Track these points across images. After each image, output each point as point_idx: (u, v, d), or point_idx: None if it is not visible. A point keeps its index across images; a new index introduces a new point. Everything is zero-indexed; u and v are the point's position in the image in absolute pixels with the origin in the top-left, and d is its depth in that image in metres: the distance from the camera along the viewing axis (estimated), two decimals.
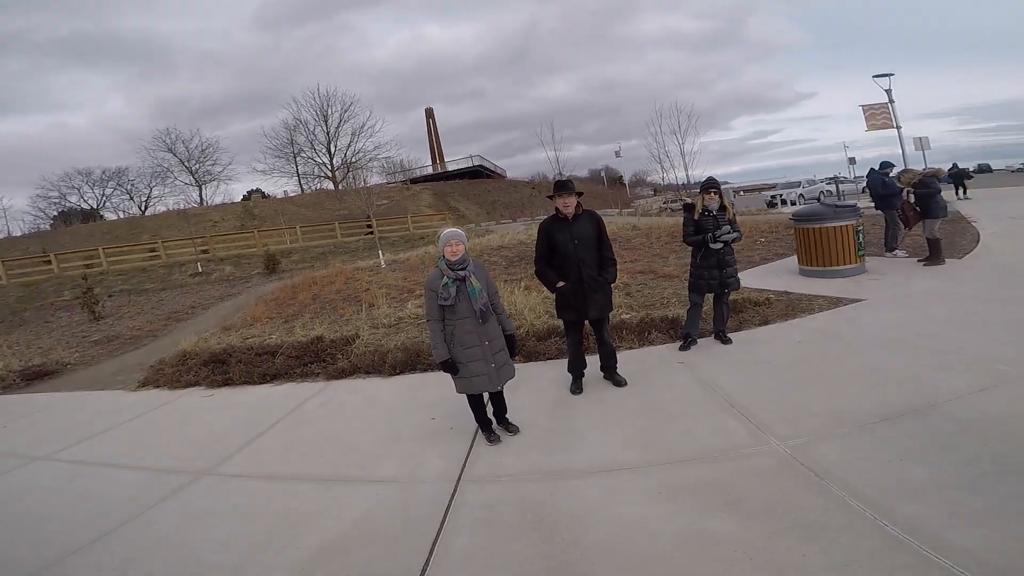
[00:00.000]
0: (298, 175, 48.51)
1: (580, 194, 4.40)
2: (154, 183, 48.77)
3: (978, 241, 9.00)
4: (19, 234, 40.56)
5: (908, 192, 7.94)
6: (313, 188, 46.90)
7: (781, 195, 28.33)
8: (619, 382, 4.53)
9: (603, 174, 51.00)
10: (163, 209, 44.92)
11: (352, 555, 2.76)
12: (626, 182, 52.45)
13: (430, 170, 53.49)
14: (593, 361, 4.70)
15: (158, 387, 6.65)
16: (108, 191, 49.13)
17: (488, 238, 16.20)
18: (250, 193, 49.65)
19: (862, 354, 4.49)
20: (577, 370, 4.58)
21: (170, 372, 6.96)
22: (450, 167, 53.40)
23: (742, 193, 41.10)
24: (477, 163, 53.09)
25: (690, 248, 5.30)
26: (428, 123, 56.85)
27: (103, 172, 48.42)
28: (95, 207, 48.79)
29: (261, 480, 3.78)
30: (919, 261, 7.76)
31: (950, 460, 2.79)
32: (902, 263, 7.96)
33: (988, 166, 55.12)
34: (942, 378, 3.80)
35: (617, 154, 41.23)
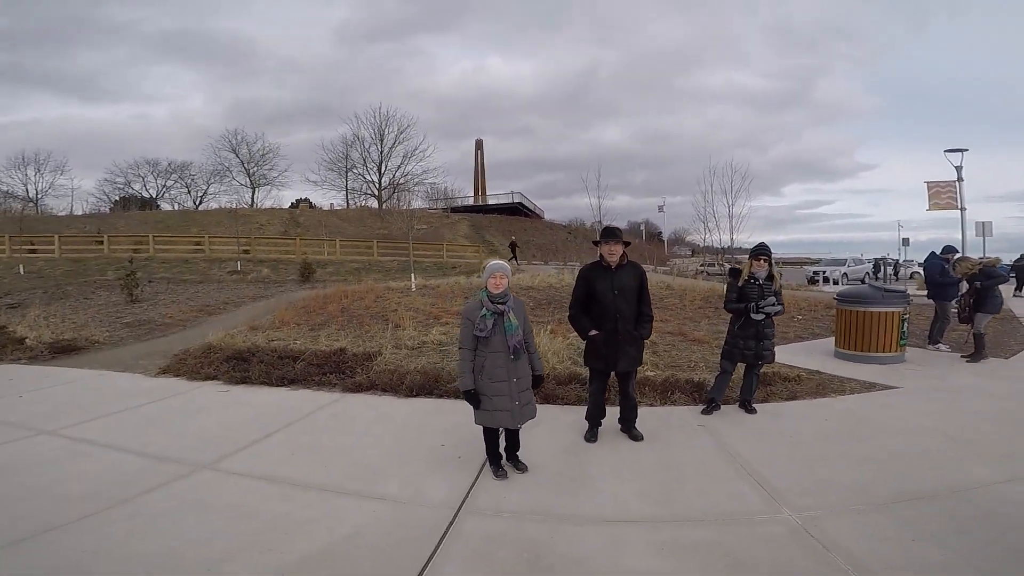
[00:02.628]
0: (346, 189, 49.89)
1: (628, 244, 4.39)
2: (212, 180, 50.93)
3: None
4: (80, 213, 42.75)
5: (974, 283, 7.47)
6: (358, 204, 48.15)
7: (824, 272, 27.20)
8: (636, 436, 4.42)
9: (642, 228, 51.03)
10: (215, 206, 46.77)
11: (337, 568, 2.71)
12: (664, 239, 52.29)
13: (471, 201, 54.38)
14: (612, 413, 4.61)
15: (177, 376, 6.82)
16: (169, 183, 51.66)
17: (518, 277, 16.26)
18: (298, 201, 51.24)
19: (889, 438, 4.34)
20: (595, 419, 4.50)
21: (192, 363, 7.14)
22: (491, 200, 54.22)
23: (782, 265, 40.29)
24: (517, 200, 53.76)
25: (727, 315, 5.20)
26: (476, 154, 58.26)
27: (169, 164, 51.10)
28: (154, 196, 51.30)
29: (260, 481, 3.77)
30: (962, 357, 7.44)
31: (964, 545, 2.74)
32: (944, 357, 7.64)
33: None
34: (968, 468, 3.74)
35: (660, 209, 41.50)
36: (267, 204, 49.19)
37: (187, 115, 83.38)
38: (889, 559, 2.62)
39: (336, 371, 6.56)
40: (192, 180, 51.51)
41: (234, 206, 42.23)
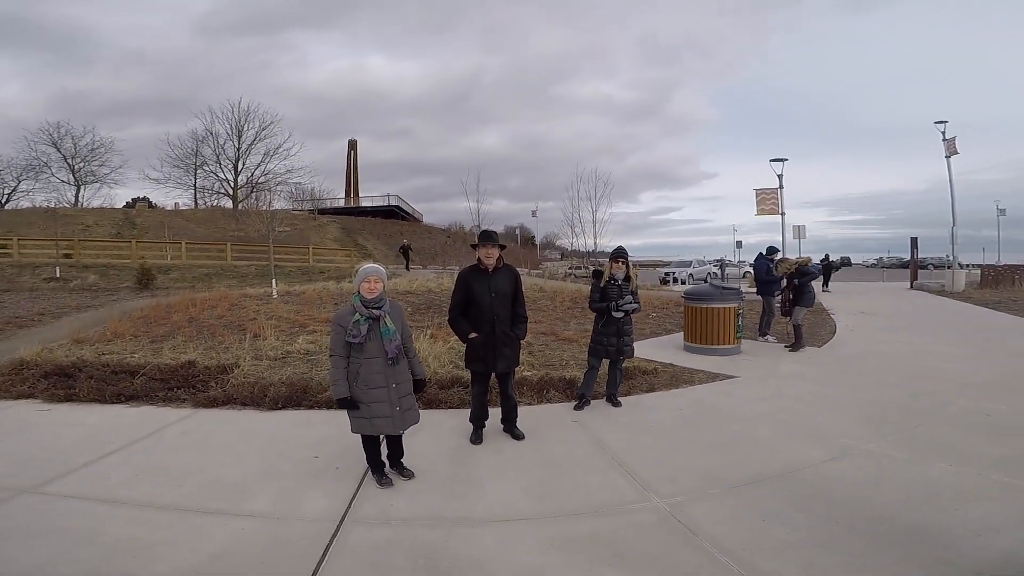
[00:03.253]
0: (195, 188, 45.06)
1: (503, 247, 4.48)
2: (24, 176, 42.91)
3: (835, 332, 10.21)
4: None
5: (792, 280, 8.63)
6: (209, 204, 43.71)
7: (674, 273, 29.91)
8: (518, 435, 4.52)
9: (517, 232, 52.37)
10: (28, 205, 39.64)
11: None
12: (537, 243, 54.15)
13: (342, 203, 51.89)
14: (494, 414, 4.67)
15: None
16: None
17: (394, 282, 15.87)
18: (135, 201, 45.19)
19: (732, 425, 4.87)
20: (479, 421, 4.53)
21: (0, 380, 5.97)
22: (364, 203, 51.99)
23: (638, 268, 43.55)
24: (394, 203, 52.14)
25: (592, 314, 5.53)
26: (349, 155, 55.38)
27: None
28: None
29: (99, 503, 3.33)
30: (785, 347, 8.59)
31: (804, 521, 3.07)
32: (771, 347, 8.80)
33: (849, 260, 58.47)
34: (798, 449, 4.23)
35: (534, 214, 42.69)
36: (96, 203, 42.83)
37: None
38: (746, 539, 2.89)
39: (185, 385, 5.89)
40: None
41: (53, 205, 36.00)
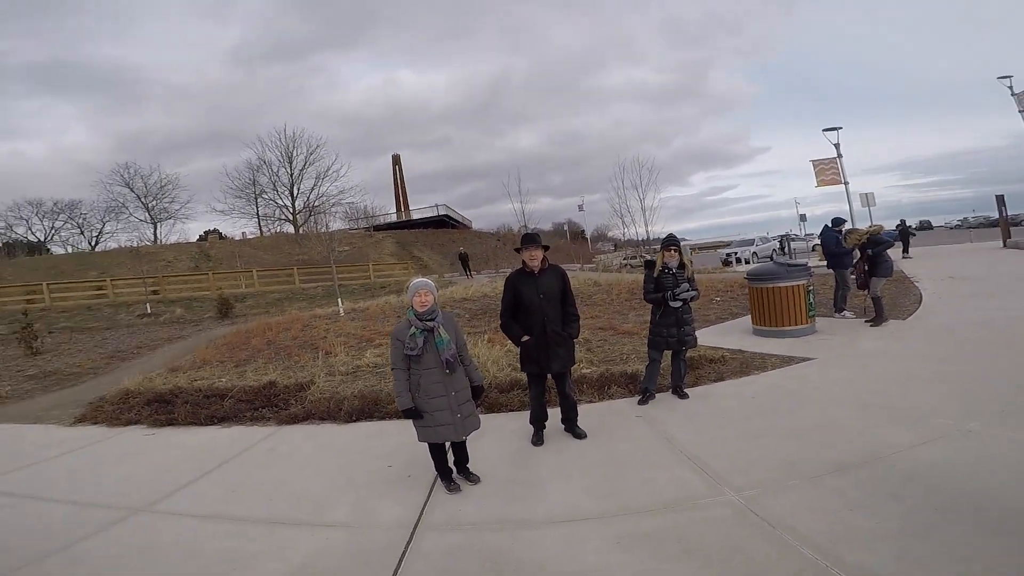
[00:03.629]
0: (258, 216, 47.74)
1: (547, 248, 4.50)
2: (107, 218, 47.02)
3: (920, 302, 9.44)
4: None
5: (866, 251, 8.09)
6: (272, 231, 46.15)
7: (736, 253, 28.47)
8: (579, 434, 4.53)
9: (566, 228, 52.11)
10: (115, 246, 43.25)
11: None
12: (588, 237, 53.60)
13: (394, 218, 53.48)
14: (555, 414, 4.71)
15: (96, 423, 6.34)
16: (58, 224, 47.25)
17: (451, 290, 16.20)
18: (207, 233, 48.41)
19: (811, 409, 4.65)
20: (539, 422, 4.58)
21: (110, 409, 6.66)
22: (415, 215, 53.51)
23: (698, 251, 42.08)
24: (443, 212, 53.33)
25: (649, 305, 5.47)
26: (394, 170, 57.32)
27: (55, 204, 46.64)
28: (43, 240, 46.74)
29: (201, 520, 3.62)
30: (866, 321, 8.06)
31: (896, 510, 2.89)
32: (849, 323, 8.29)
33: (929, 223, 54.84)
34: (886, 432, 3.97)
35: (580, 208, 42.15)
36: (173, 239, 46.19)
37: (69, 150, 76.18)
38: (830, 531, 2.75)
39: (268, 405, 6.28)
40: (84, 219, 47.37)
41: (135, 244, 39.22)
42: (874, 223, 11.33)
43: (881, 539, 2.65)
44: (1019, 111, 18.85)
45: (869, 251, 8.07)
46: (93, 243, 46.93)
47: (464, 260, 28.37)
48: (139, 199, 46.46)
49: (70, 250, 45.00)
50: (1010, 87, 18.77)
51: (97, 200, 46.61)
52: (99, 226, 47.49)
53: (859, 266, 8.32)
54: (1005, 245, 19.09)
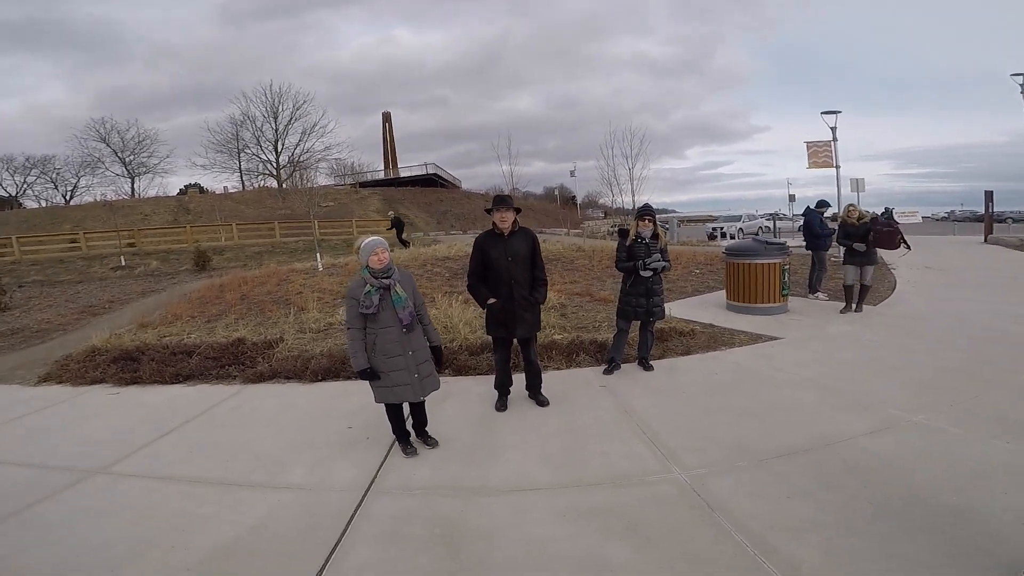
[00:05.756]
0: (240, 171, 46.32)
1: (519, 210, 4.41)
2: (82, 173, 45.54)
3: (894, 288, 9.53)
4: None
5: (876, 228, 7.64)
6: (256, 185, 45.00)
7: (722, 228, 28.54)
8: (542, 402, 4.56)
9: (556, 192, 51.70)
10: (90, 200, 42.14)
11: (243, 559, 2.69)
12: (578, 203, 53.30)
13: (382, 175, 52.50)
14: (520, 379, 4.72)
15: (60, 383, 6.22)
16: (30, 179, 45.75)
17: (435, 248, 16.04)
18: (187, 187, 47.15)
19: (771, 390, 4.68)
20: (503, 387, 4.59)
21: (75, 368, 6.53)
22: (403, 174, 52.53)
23: (685, 223, 42.11)
24: (432, 171, 52.42)
25: (622, 274, 5.43)
26: (384, 127, 55.83)
27: (27, 159, 45.09)
28: (14, 194, 45.32)
29: (157, 480, 3.62)
30: (855, 308, 7.77)
31: (832, 500, 2.93)
32: (821, 305, 8.35)
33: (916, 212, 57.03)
34: (839, 419, 4.00)
35: (572, 174, 41.74)
36: (151, 193, 44.97)
37: (44, 107, 72.88)
38: (767, 517, 2.79)
39: (235, 363, 6.23)
40: (58, 174, 45.83)
41: (110, 198, 38.05)
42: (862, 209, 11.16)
43: (814, 529, 2.69)
44: None
45: (879, 227, 7.65)
46: (68, 197, 45.65)
47: (398, 226, 20.51)
48: (116, 153, 45.03)
49: (45, 204, 43.76)
50: (1022, 84, 18.54)
51: (72, 155, 45.04)
52: (73, 180, 46.14)
53: (869, 242, 7.69)
54: (986, 240, 19.31)
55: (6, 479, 3.75)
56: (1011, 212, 38.90)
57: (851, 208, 8.07)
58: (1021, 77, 18.50)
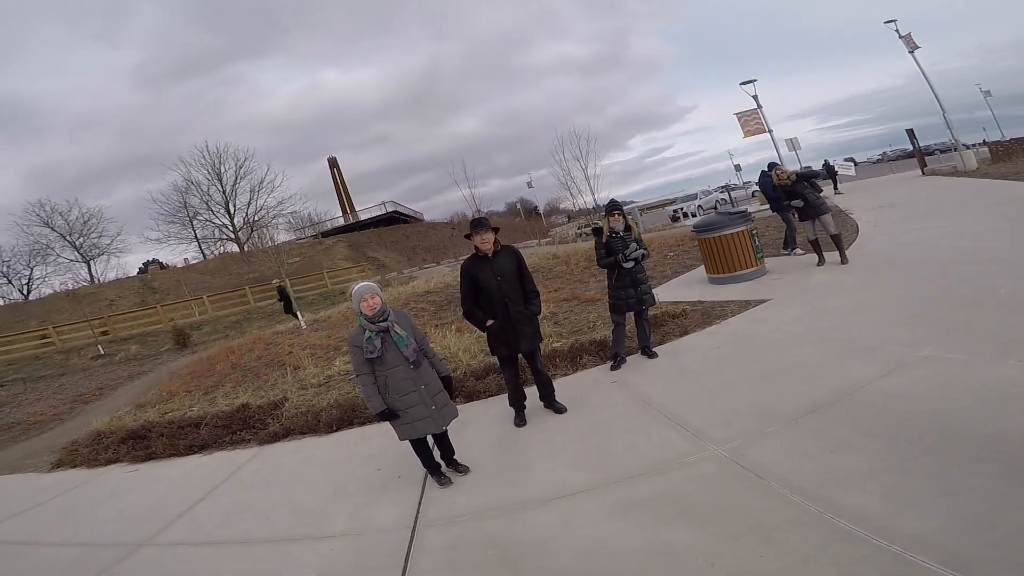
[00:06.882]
0: (197, 240, 45.29)
1: (496, 230, 4.47)
2: (34, 263, 43.54)
3: (857, 231, 9.85)
4: None
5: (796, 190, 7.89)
6: (216, 252, 44.16)
7: (682, 208, 29.54)
8: (559, 409, 4.62)
9: (519, 207, 52.18)
10: (49, 291, 40.64)
11: None
12: (541, 212, 53.82)
13: (342, 221, 52.11)
14: (532, 392, 4.78)
15: (75, 467, 6.22)
16: None
17: (413, 285, 16.06)
18: (147, 265, 45.96)
19: (776, 352, 4.74)
20: (518, 403, 4.64)
21: (86, 452, 6.54)
22: (363, 216, 52.00)
23: (647, 211, 42.98)
24: (391, 209, 52.14)
25: (605, 271, 5.58)
26: (333, 172, 55.47)
27: None
28: None
29: (205, 546, 3.64)
30: (841, 261, 7.72)
31: (874, 447, 2.91)
32: (798, 260, 8.60)
33: (853, 160, 59.20)
34: (850, 366, 4.02)
35: (529, 184, 42.33)
36: (111, 276, 43.25)
37: None
38: (816, 474, 2.75)
39: (246, 427, 6.17)
40: (8, 267, 44.10)
41: (71, 287, 36.90)
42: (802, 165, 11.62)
43: (868, 477, 2.66)
44: (908, 51, 20.70)
45: (800, 188, 7.92)
46: (25, 292, 44.00)
47: (286, 298, 16.19)
48: (63, 237, 43.30)
49: (1, 302, 42.12)
50: (896, 31, 20.56)
51: (17, 244, 43.27)
52: (27, 272, 44.43)
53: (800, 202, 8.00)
54: (923, 173, 20.25)
55: (58, 560, 3.78)
56: (936, 144, 40.74)
57: (779, 171, 8.34)
58: (893, 24, 20.25)
